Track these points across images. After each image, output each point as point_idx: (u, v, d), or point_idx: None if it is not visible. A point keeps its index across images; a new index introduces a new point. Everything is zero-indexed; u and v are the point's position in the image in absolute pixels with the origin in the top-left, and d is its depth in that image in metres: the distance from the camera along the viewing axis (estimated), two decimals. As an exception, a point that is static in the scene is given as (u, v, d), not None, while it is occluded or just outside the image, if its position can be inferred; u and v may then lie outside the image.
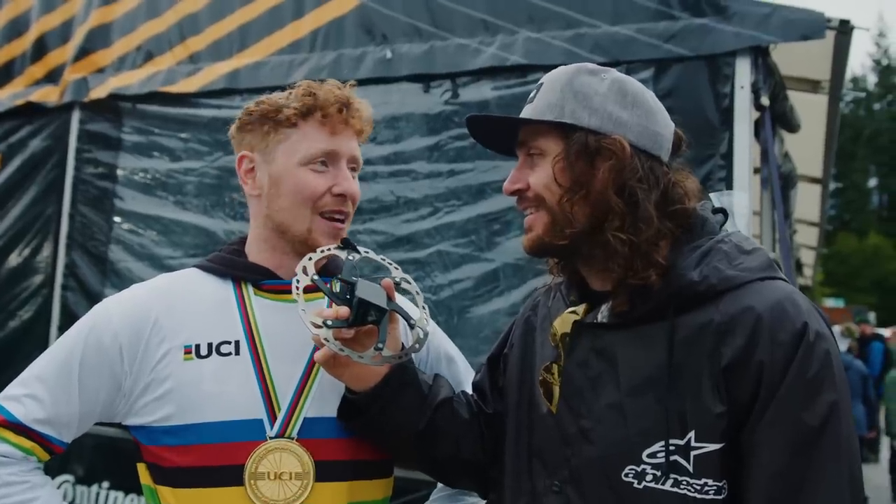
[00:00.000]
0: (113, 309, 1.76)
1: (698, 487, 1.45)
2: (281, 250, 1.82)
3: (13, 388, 1.74)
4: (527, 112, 1.66)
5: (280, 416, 1.71)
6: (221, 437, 1.68)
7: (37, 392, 1.70)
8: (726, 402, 1.44)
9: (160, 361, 1.71)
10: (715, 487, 1.45)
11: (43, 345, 4.91)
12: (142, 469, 1.78)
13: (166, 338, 1.72)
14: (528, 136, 1.65)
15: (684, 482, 1.45)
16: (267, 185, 1.81)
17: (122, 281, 4.87)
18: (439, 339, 2.00)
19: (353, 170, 1.83)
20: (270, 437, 1.69)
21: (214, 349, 1.73)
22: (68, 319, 4.97)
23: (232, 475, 1.67)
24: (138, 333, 1.72)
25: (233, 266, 1.84)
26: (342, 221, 1.80)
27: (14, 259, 5.37)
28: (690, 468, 1.45)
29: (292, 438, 1.70)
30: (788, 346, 1.41)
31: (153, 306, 1.75)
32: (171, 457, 1.69)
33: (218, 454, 1.68)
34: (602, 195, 1.55)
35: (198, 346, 1.73)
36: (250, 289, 1.81)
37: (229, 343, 1.74)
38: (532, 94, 1.67)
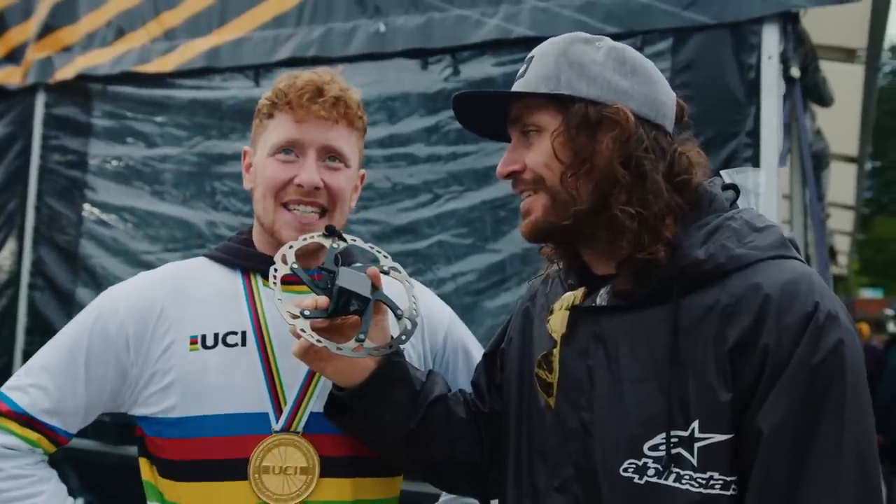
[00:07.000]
0: (119, 298, 1.86)
1: (703, 481, 1.45)
2: (271, 242, 1.87)
3: (17, 377, 1.84)
4: (519, 86, 1.66)
5: (286, 410, 1.79)
6: (225, 430, 1.77)
7: (42, 382, 1.80)
8: (732, 389, 1.43)
9: (165, 351, 1.80)
10: (722, 482, 1.44)
11: (9, 349, 5.00)
12: (143, 464, 1.89)
13: (171, 327, 1.82)
14: (521, 112, 1.65)
15: (687, 476, 1.46)
16: (254, 177, 1.93)
17: (94, 278, 4.90)
18: (460, 332, 2.09)
19: (332, 159, 1.87)
20: (275, 431, 1.78)
21: (221, 340, 1.82)
22: (36, 321, 5.00)
23: (236, 469, 1.75)
24: (144, 323, 1.82)
25: (242, 256, 1.93)
26: (315, 214, 1.86)
27: (-25, 257, 5.28)
28: (694, 461, 1.45)
29: (298, 433, 1.78)
30: (796, 329, 1.40)
31: (159, 295, 1.85)
32: (174, 449, 1.79)
33: (222, 447, 1.76)
34: (607, 168, 1.56)
35: (204, 337, 1.82)
36: (259, 280, 1.89)
37: (236, 334, 1.82)
38: (522, 69, 1.68)
